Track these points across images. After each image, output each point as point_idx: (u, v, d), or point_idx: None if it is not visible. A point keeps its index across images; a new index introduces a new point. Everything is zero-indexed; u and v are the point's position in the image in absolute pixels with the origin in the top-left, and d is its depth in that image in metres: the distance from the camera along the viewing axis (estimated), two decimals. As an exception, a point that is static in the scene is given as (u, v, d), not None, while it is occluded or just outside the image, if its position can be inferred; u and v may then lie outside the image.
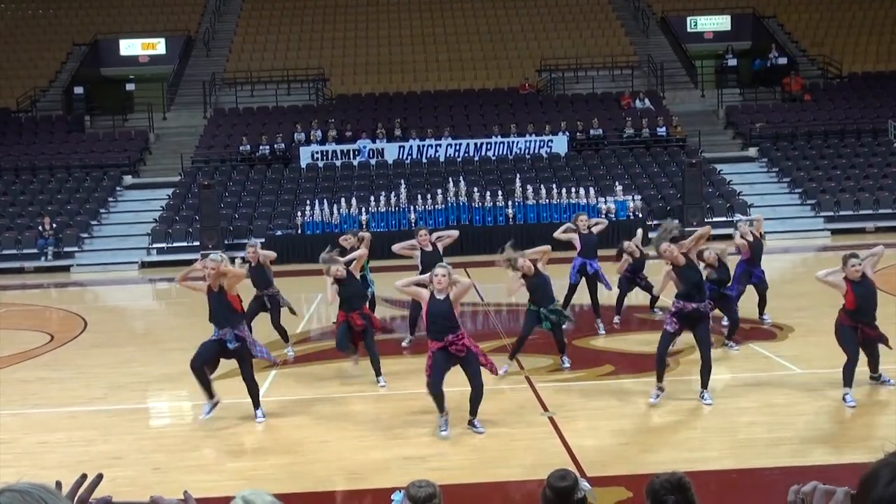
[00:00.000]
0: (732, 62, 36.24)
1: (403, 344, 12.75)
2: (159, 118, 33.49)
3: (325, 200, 26.25)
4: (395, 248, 13.02)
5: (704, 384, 9.31)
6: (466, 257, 22.74)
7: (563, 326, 11.09)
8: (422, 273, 11.42)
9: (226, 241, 25.58)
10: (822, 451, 7.84)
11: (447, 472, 7.44)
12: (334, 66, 35.84)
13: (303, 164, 29.82)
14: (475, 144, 30.05)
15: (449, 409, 8.55)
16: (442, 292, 8.45)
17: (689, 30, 38.13)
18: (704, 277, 9.96)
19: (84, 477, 2.31)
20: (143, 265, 25.84)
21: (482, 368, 8.59)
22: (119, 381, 11.66)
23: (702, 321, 9.28)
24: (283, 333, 12.55)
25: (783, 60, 35.00)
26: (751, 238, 12.92)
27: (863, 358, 9.19)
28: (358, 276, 11.35)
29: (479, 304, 16.50)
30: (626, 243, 13.35)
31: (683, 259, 9.21)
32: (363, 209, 25.77)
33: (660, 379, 9.36)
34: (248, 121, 33.06)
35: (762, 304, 13.32)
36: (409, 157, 29.85)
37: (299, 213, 26.07)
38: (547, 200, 25.99)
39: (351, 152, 29.97)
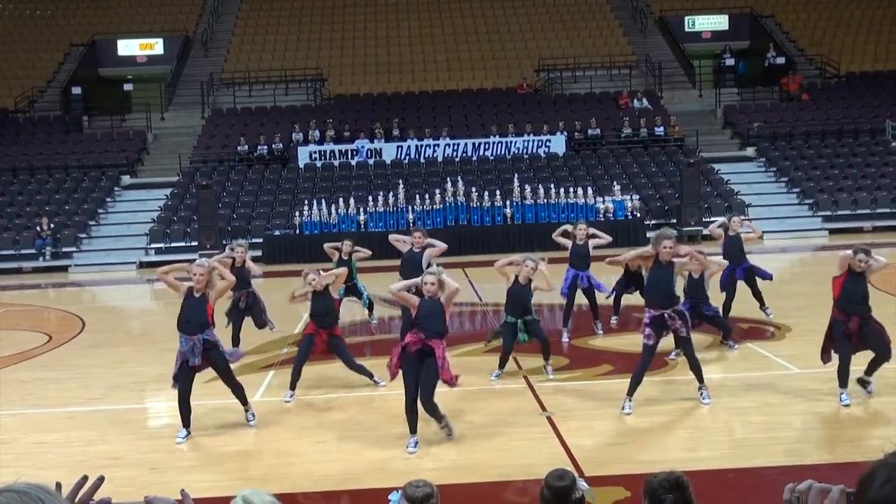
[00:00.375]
0: (730, 62, 36.27)
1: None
2: (157, 118, 33.49)
3: (322, 200, 26.24)
4: (392, 238, 13.04)
5: (700, 380, 9.26)
6: (464, 257, 22.78)
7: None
8: (400, 271, 11.69)
9: (224, 242, 25.56)
10: (819, 451, 7.86)
11: (444, 472, 7.44)
12: (332, 67, 35.84)
13: (301, 165, 29.82)
14: (473, 144, 30.06)
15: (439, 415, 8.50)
16: (432, 297, 8.42)
17: (686, 29, 38.16)
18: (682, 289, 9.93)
19: (85, 478, 2.30)
20: (141, 265, 25.82)
21: (439, 381, 8.26)
22: (117, 381, 11.66)
23: (679, 321, 9.14)
24: (263, 325, 12.68)
25: (781, 60, 35.04)
26: (731, 233, 12.89)
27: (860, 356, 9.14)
28: (336, 294, 11.42)
29: (476, 305, 16.50)
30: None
31: (670, 258, 9.14)
32: (361, 209, 25.76)
33: (630, 393, 9.13)
34: (247, 121, 33.06)
35: (758, 297, 13.11)
36: (407, 157, 29.86)
37: (297, 214, 26.07)
38: (545, 200, 25.99)
39: (349, 152, 29.97)
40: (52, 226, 26.46)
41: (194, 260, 10.62)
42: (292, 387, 10.25)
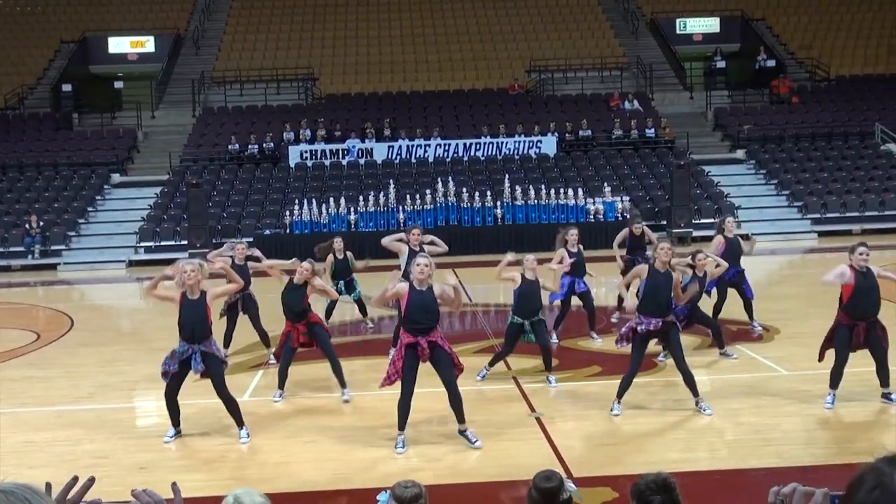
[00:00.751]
0: (721, 64, 36.39)
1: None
2: (148, 116, 33.41)
3: (313, 200, 26.22)
4: (384, 241, 12.70)
5: (695, 393, 9.08)
6: (455, 258, 22.72)
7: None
8: (404, 274, 11.17)
9: (214, 241, 25.51)
10: (807, 453, 7.89)
11: (433, 473, 7.45)
12: (324, 66, 35.82)
13: (292, 164, 29.79)
14: (464, 145, 30.07)
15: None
16: (423, 283, 8.18)
17: (678, 31, 38.26)
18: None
19: (75, 479, 2.30)
20: (131, 264, 25.76)
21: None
22: (105, 380, 11.63)
23: (670, 332, 9.05)
24: (264, 336, 12.33)
25: (771, 63, 35.17)
26: (731, 236, 12.86)
27: (870, 363, 9.13)
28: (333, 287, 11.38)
29: (467, 305, 16.49)
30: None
31: (666, 265, 9.02)
32: (352, 209, 25.75)
33: (619, 396, 9.09)
34: (237, 120, 33.00)
35: (748, 308, 12.96)
36: (398, 157, 29.85)
37: (288, 213, 26.04)
38: (535, 201, 26.03)
39: (340, 152, 29.95)
40: (41, 223, 26.38)
41: (176, 260, 10.13)
42: (280, 386, 10.22)
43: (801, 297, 16.09)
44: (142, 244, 26.47)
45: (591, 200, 26.15)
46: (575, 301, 13.01)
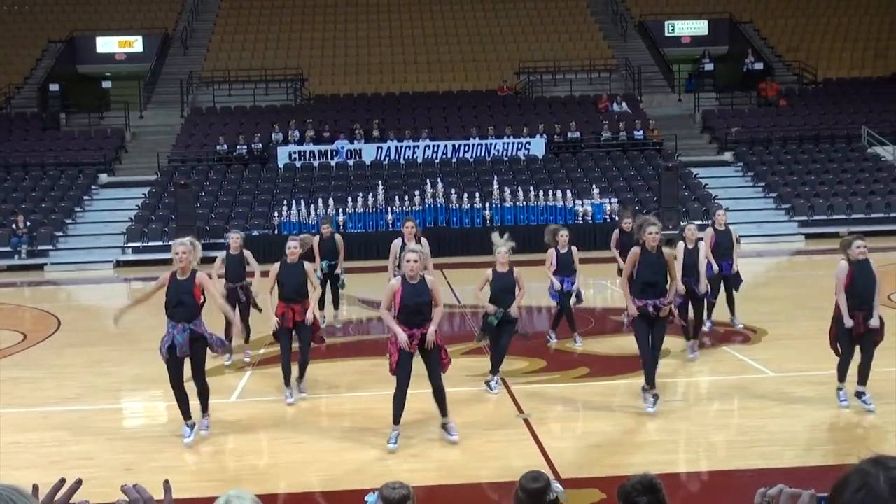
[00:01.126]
0: (709, 67, 36.51)
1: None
2: (136, 116, 33.32)
3: (302, 201, 26.19)
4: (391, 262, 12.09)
5: (648, 381, 9.03)
6: (443, 259, 22.77)
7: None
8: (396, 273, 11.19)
9: (202, 241, 25.41)
10: (793, 454, 7.91)
11: (421, 474, 7.45)
12: (313, 67, 35.78)
13: (280, 165, 29.75)
14: (453, 146, 30.09)
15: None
16: (414, 278, 8.20)
17: (666, 34, 38.40)
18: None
19: (63, 481, 2.29)
20: (118, 264, 25.68)
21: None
22: (92, 381, 11.58)
23: (658, 320, 9.01)
24: (247, 332, 12.24)
25: (759, 66, 35.31)
26: (721, 228, 12.89)
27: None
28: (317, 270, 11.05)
29: (455, 307, 16.50)
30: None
31: (656, 246, 8.94)
32: (340, 210, 25.73)
33: (652, 384, 8.97)
34: (226, 120, 32.94)
35: (731, 302, 12.97)
36: (387, 158, 29.85)
37: (276, 214, 26.00)
38: (524, 203, 26.06)
39: (328, 153, 29.93)
40: (28, 224, 26.26)
41: (169, 261, 9.88)
42: (287, 383, 9.96)
43: (788, 299, 16.16)
44: (129, 245, 26.39)
45: (580, 202, 26.20)
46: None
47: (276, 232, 25.53)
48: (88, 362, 12.71)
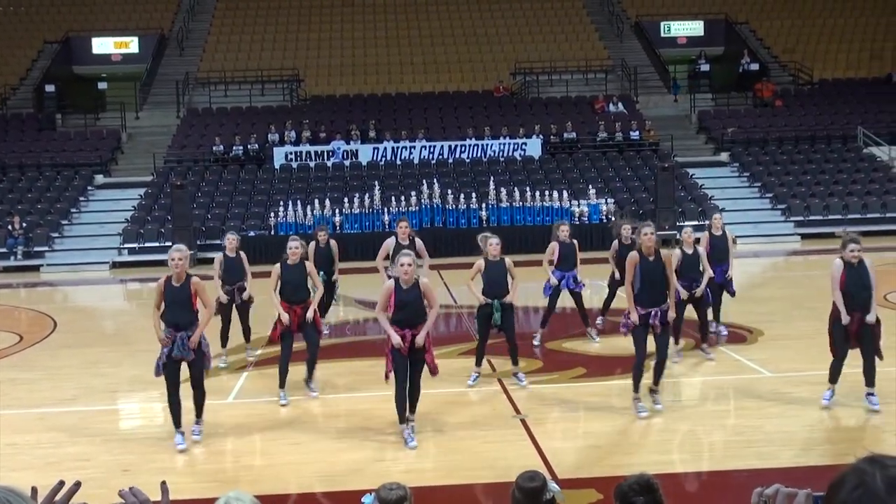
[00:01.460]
0: (705, 67, 36.55)
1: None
2: (132, 117, 33.27)
3: (298, 201, 26.18)
4: (379, 266, 12.28)
5: (656, 382, 9.07)
6: (440, 259, 22.75)
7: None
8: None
9: (198, 242, 25.44)
10: (790, 454, 7.92)
11: (418, 475, 7.45)
12: (309, 67, 35.76)
13: (276, 165, 29.73)
14: (449, 146, 30.08)
15: (416, 415, 8.51)
16: (408, 282, 8.29)
17: (662, 34, 38.41)
18: None
19: (62, 483, 2.29)
20: (115, 265, 25.64)
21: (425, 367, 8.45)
22: (89, 382, 11.57)
23: (662, 332, 8.99)
24: (247, 332, 12.25)
25: (755, 66, 35.36)
26: (718, 233, 12.82)
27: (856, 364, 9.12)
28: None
29: (451, 307, 16.51)
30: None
31: (654, 250, 8.91)
32: (336, 210, 25.72)
33: (637, 389, 9.00)
34: (222, 121, 32.91)
35: (717, 308, 12.69)
36: (384, 159, 29.84)
37: (272, 214, 25.98)
38: (520, 203, 26.07)
39: (325, 153, 29.92)
40: (23, 225, 26.22)
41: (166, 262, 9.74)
42: (282, 385, 9.96)
43: (785, 300, 16.18)
44: (125, 245, 26.35)
45: (576, 202, 26.22)
46: (563, 302, 13.02)
47: (272, 233, 25.51)
48: (85, 363, 12.70)
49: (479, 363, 10.68)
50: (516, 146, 30.19)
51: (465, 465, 7.87)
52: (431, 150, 29.98)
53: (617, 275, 13.38)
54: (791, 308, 15.14)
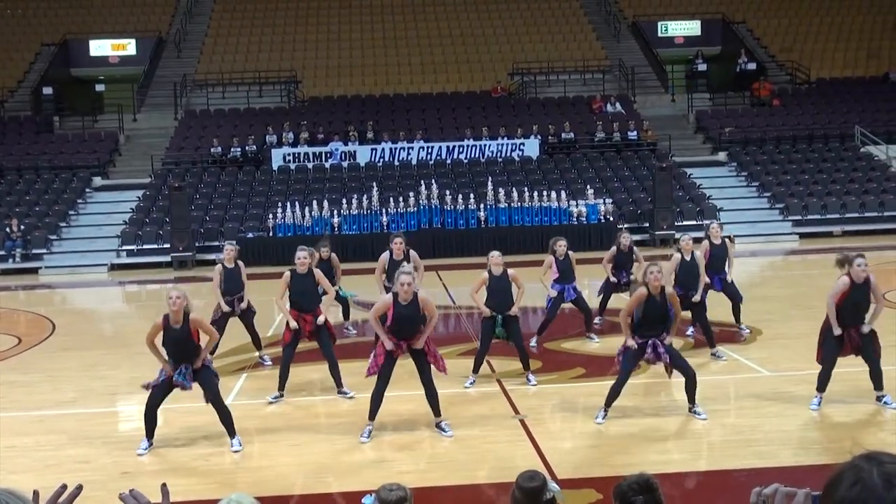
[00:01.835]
0: (702, 67, 36.57)
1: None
2: (129, 119, 33.26)
3: (296, 203, 26.16)
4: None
5: (691, 400, 9.04)
6: (438, 260, 22.80)
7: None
8: (387, 288, 11.10)
9: (196, 244, 25.44)
10: (789, 453, 7.94)
11: (418, 475, 7.46)
12: (306, 69, 35.76)
13: (274, 167, 29.73)
14: (447, 147, 30.08)
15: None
16: (407, 299, 8.44)
17: (659, 34, 38.41)
18: None
19: (64, 487, 2.29)
20: (113, 267, 25.62)
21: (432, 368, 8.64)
22: (88, 384, 11.57)
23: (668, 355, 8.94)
24: (256, 338, 12.29)
25: (752, 66, 35.38)
26: (717, 241, 12.84)
27: (854, 363, 9.13)
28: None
29: (450, 308, 16.51)
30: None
31: (660, 287, 8.89)
32: (335, 212, 25.71)
33: (607, 406, 9.00)
34: (220, 122, 32.91)
35: (736, 312, 12.89)
36: (382, 160, 29.84)
37: (271, 216, 25.96)
38: (519, 204, 26.06)
39: (323, 154, 29.91)
40: (22, 227, 26.20)
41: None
42: (281, 387, 10.07)
43: (783, 299, 16.19)
44: (124, 248, 26.33)
45: (574, 203, 26.21)
46: (563, 305, 13.04)
47: (270, 234, 25.51)
48: (83, 366, 12.70)
49: (476, 370, 10.75)
50: (514, 146, 30.20)
51: (464, 465, 7.88)
52: (429, 150, 29.98)
53: (612, 278, 13.51)
54: (789, 307, 15.15)
